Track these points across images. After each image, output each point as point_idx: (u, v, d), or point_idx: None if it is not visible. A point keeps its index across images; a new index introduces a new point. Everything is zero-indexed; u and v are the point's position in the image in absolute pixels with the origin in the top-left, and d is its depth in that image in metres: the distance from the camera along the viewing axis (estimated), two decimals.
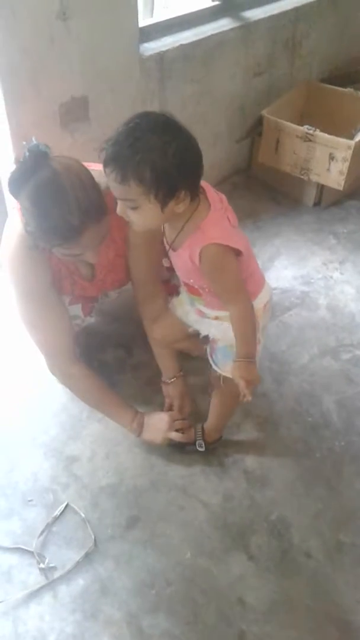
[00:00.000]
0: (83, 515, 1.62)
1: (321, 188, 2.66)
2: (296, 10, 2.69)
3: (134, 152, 1.12)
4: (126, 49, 2.09)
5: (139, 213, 1.20)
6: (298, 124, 2.53)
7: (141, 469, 1.74)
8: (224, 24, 2.49)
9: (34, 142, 1.32)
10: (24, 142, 1.33)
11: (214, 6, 2.52)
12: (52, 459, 1.76)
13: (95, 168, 1.35)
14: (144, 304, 1.72)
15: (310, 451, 1.78)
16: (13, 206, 1.51)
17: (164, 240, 1.40)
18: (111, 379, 1.94)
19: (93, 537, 1.58)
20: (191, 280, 1.40)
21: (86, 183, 1.34)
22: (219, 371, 1.55)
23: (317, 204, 2.74)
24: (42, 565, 1.53)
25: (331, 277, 2.39)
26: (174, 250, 1.35)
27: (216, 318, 1.49)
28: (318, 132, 2.42)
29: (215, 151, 2.74)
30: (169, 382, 1.81)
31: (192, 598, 1.47)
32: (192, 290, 1.46)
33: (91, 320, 1.86)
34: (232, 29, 2.48)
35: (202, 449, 1.75)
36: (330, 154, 2.42)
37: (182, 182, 1.17)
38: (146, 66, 2.20)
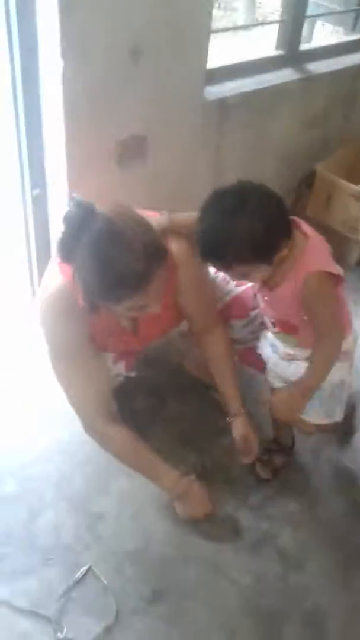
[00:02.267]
0: (105, 582, 1.51)
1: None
2: (357, 67, 2.66)
3: (227, 244, 1.17)
4: (192, 92, 2.04)
5: (250, 278, 1.30)
6: (351, 182, 2.47)
7: (170, 535, 1.63)
8: (286, 75, 2.45)
9: (76, 198, 1.24)
10: (68, 198, 1.27)
11: (278, 55, 2.48)
12: (75, 514, 1.65)
13: (147, 213, 1.31)
14: (202, 335, 1.65)
15: (350, 535, 1.68)
16: (53, 259, 1.44)
17: (258, 287, 1.41)
18: (140, 431, 1.84)
19: (115, 608, 1.46)
20: (288, 317, 1.39)
21: (143, 225, 1.26)
22: (307, 420, 1.54)
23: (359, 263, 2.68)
24: (60, 635, 1.41)
25: None
26: (271, 289, 1.34)
27: (306, 360, 1.44)
28: None
29: None
30: (229, 421, 1.64)
31: None
32: (287, 328, 1.43)
33: (132, 374, 1.76)
34: (293, 81, 2.44)
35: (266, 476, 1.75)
36: None
37: (278, 237, 1.22)
38: (208, 109, 2.16)
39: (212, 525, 1.65)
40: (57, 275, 1.41)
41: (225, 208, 1.18)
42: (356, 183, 2.48)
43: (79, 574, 1.52)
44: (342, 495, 1.77)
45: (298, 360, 1.47)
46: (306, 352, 1.43)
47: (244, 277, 1.29)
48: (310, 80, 2.49)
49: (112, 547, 1.59)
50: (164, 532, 1.63)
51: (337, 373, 1.44)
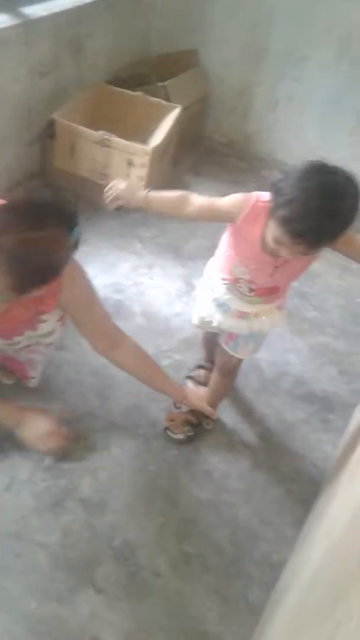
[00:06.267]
0: None
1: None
2: (77, 9, 2.61)
3: (331, 226, 1.22)
4: None
5: (308, 258, 1.38)
6: (91, 127, 2.47)
7: None
8: (1, 21, 2.30)
9: None
10: None
11: None
12: None
13: None
14: (113, 352, 1.64)
15: (145, 465, 1.76)
16: None
17: (263, 262, 1.43)
18: None
19: None
20: (287, 282, 1.52)
21: None
22: (235, 355, 1.69)
23: (118, 208, 2.71)
24: None
25: (142, 282, 2.40)
26: (291, 260, 1.39)
27: (256, 314, 1.58)
28: (114, 138, 2.39)
29: (4, 156, 2.55)
30: (180, 405, 1.84)
31: None
32: (269, 292, 1.52)
33: None
34: (11, 27, 2.31)
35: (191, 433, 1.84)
36: (129, 160, 2.41)
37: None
38: None
39: (10, 497, 1.61)
40: None
41: (341, 186, 1.20)
42: (97, 129, 2.48)
43: None
44: (131, 432, 1.84)
45: (249, 316, 1.59)
46: (261, 307, 1.57)
47: (305, 255, 1.32)
48: (29, 25, 2.38)
49: None
50: None
51: (276, 320, 1.63)
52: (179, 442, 1.83)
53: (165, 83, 2.91)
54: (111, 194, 1.49)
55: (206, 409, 1.80)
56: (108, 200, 1.50)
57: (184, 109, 2.76)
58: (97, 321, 1.59)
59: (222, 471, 1.79)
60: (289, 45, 2.97)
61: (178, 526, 1.63)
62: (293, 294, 1.62)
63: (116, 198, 1.49)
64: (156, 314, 2.27)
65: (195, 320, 1.77)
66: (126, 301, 2.30)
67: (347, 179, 1.22)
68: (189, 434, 1.83)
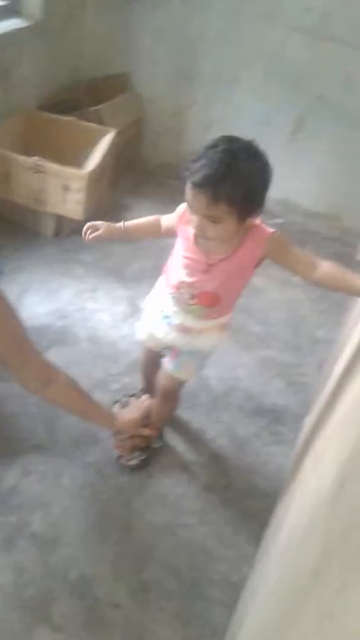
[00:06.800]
0: None
1: (59, 217, 2.62)
2: (3, 36, 2.59)
3: (228, 176, 1.24)
4: None
5: (218, 227, 1.32)
6: (25, 154, 2.44)
7: None
8: None
9: None
10: None
11: None
12: None
13: None
14: (19, 371, 1.46)
15: (98, 494, 1.72)
16: None
17: (197, 259, 1.45)
18: None
19: None
20: (225, 288, 1.49)
21: None
22: (177, 375, 1.68)
23: (57, 233, 2.70)
24: None
25: (86, 307, 2.37)
26: (227, 259, 1.42)
27: (199, 332, 1.58)
28: (48, 164, 2.38)
29: None
30: (116, 432, 1.73)
31: None
32: (209, 301, 1.50)
33: None
34: None
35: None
36: (64, 185, 2.39)
37: (262, 204, 1.33)
38: None
39: None
40: None
41: (241, 150, 1.27)
42: (32, 155, 2.46)
43: None
44: (82, 461, 1.80)
45: (192, 332, 1.58)
46: (205, 324, 1.57)
47: (213, 223, 1.31)
48: None
49: None
50: None
51: (218, 339, 1.62)
52: (134, 468, 1.80)
53: (98, 107, 2.92)
54: (91, 230, 1.60)
55: (144, 432, 1.74)
56: (89, 236, 1.59)
57: (119, 133, 2.78)
58: (26, 360, 1.45)
59: (177, 493, 1.77)
60: (218, 67, 3.05)
61: (134, 554, 1.60)
62: (238, 310, 1.63)
63: (95, 229, 1.59)
64: (102, 338, 2.25)
65: (141, 335, 1.76)
66: (71, 327, 2.27)
67: (250, 145, 1.31)
68: (142, 457, 1.81)
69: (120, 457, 1.81)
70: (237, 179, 1.26)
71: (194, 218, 1.34)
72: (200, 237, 1.38)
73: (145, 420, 1.72)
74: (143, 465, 1.81)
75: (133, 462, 1.80)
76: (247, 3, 2.84)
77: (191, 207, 1.33)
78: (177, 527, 1.68)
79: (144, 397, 1.74)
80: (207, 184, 1.26)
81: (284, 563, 1.10)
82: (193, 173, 1.28)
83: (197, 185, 1.28)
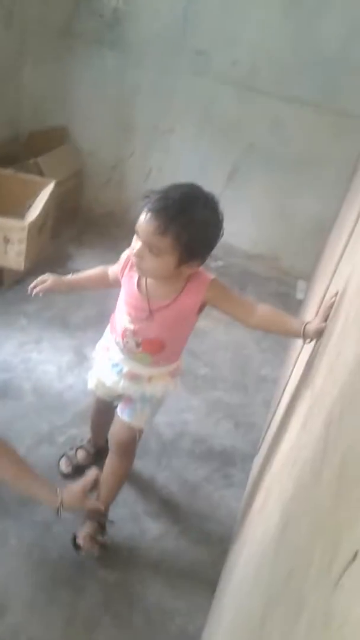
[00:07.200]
0: None
1: (0, 269, 2.60)
2: None
3: (182, 216, 1.28)
4: None
5: (157, 260, 1.33)
6: None
7: None
8: None
9: None
10: None
11: None
12: None
13: None
14: None
15: (46, 554, 1.66)
16: None
17: (139, 306, 1.45)
18: None
19: None
20: (168, 334, 1.49)
21: None
22: (132, 423, 1.62)
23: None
24: None
25: (30, 358, 2.33)
26: (169, 306, 1.43)
27: (149, 379, 1.57)
28: None
29: None
30: (58, 506, 1.52)
31: None
32: (153, 347, 1.50)
33: None
34: None
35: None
36: (5, 237, 2.38)
37: (204, 255, 1.38)
38: None
39: None
40: None
41: (201, 198, 1.33)
42: None
43: None
44: (29, 519, 1.74)
45: (142, 379, 1.58)
46: (154, 371, 1.57)
47: (153, 255, 1.32)
48: None
49: None
50: None
51: (169, 385, 1.61)
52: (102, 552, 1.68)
53: (38, 159, 2.96)
54: (38, 284, 1.60)
55: (93, 505, 1.61)
56: (36, 290, 1.60)
57: (59, 183, 2.80)
58: None
59: (129, 547, 1.73)
60: (154, 118, 3.15)
61: (86, 615, 1.54)
62: (185, 353, 1.64)
63: (42, 282, 1.60)
64: (47, 389, 2.21)
65: (91, 384, 1.73)
66: (15, 379, 2.22)
67: (212, 198, 1.36)
68: (105, 537, 1.69)
69: (78, 548, 1.65)
70: (189, 222, 1.30)
71: (137, 244, 1.36)
72: (136, 265, 1.40)
73: (95, 490, 1.61)
74: (107, 545, 1.70)
75: (97, 551, 1.66)
76: (176, 58, 2.97)
77: (138, 232, 1.35)
78: (131, 583, 1.63)
79: (92, 469, 1.62)
80: (162, 213, 1.30)
81: (237, 612, 1.08)
82: (153, 200, 1.32)
83: (152, 210, 1.31)
